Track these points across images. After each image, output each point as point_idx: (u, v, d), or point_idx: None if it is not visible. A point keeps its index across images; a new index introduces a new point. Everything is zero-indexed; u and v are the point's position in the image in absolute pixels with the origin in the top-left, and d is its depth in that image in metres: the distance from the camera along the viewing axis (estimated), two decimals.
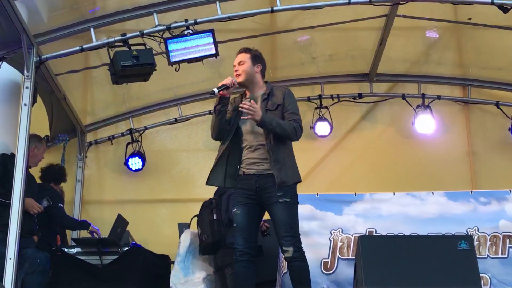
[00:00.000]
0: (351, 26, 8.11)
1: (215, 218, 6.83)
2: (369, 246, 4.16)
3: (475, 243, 6.62)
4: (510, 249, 6.72)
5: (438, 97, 9.19)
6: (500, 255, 6.73)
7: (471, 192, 6.96)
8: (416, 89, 9.24)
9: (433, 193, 6.89)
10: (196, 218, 7.00)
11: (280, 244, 5.16)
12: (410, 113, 9.19)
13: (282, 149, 5.24)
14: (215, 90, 5.10)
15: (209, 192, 7.25)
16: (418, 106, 9.12)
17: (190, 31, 6.59)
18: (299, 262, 5.11)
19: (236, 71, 5.33)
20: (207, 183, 5.36)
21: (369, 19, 7.94)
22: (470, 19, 7.99)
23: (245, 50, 5.43)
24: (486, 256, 6.71)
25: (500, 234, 6.74)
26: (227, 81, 5.21)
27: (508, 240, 6.73)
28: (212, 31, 6.63)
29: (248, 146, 5.28)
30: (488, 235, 6.72)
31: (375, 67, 8.86)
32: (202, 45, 6.64)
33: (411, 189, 7.15)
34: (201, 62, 6.80)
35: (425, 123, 9.03)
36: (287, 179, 5.15)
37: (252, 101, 5.13)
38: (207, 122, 9.22)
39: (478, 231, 6.74)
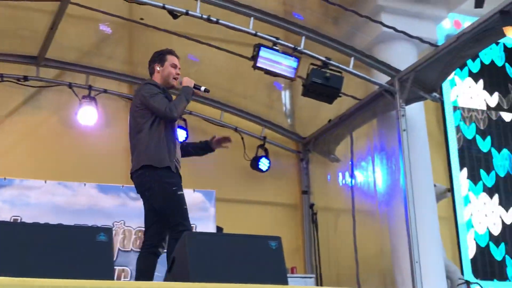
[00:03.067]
0: (24, 5, 7.81)
1: None
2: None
3: (120, 236, 6.83)
4: None
5: (105, 91, 9.21)
6: None
7: (122, 186, 7.15)
8: (84, 79, 9.15)
9: (85, 185, 6.93)
10: None
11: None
12: (76, 103, 9.09)
13: None
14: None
15: None
16: (84, 97, 9.06)
17: None
18: None
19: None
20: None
21: (43, 0, 7.69)
22: (142, 19, 8.25)
23: None
24: (130, 249, 6.95)
25: None
26: None
27: None
28: None
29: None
30: (134, 229, 6.98)
31: (44, 51, 8.57)
32: None
33: (68, 179, 7.07)
34: None
35: (89, 115, 8.98)
36: None
37: None
38: None
39: (124, 224, 6.95)
